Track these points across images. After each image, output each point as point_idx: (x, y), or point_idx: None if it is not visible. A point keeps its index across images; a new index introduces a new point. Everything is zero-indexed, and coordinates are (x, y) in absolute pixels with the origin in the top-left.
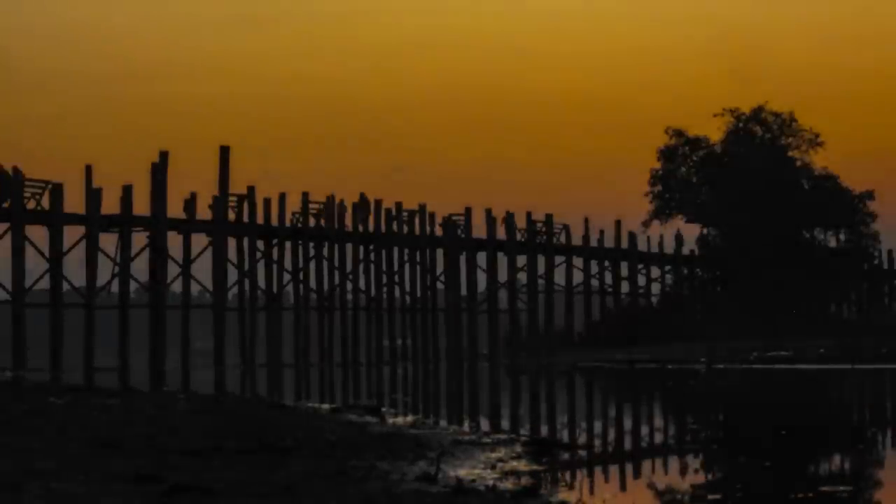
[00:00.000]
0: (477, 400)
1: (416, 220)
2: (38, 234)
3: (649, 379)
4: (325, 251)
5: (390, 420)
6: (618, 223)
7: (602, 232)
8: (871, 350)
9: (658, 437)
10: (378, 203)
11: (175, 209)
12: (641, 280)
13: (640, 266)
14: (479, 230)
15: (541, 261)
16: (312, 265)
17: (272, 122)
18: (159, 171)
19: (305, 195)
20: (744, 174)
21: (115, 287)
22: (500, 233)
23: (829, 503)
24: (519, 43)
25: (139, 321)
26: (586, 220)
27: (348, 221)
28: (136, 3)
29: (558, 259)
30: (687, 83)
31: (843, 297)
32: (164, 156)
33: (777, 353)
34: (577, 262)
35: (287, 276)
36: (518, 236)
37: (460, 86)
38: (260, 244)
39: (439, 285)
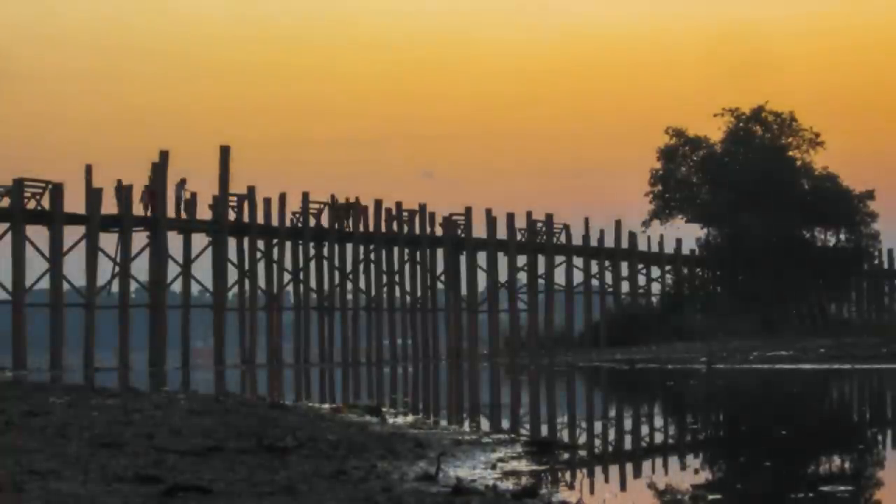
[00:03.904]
0: (477, 400)
1: (416, 220)
2: (38, 234)
3: (649, 379)
4: (325, 251)
5: (390, 420)
6: (618, 223)
7: (602, 232)
8: (871, 350)
9: (658, 437)
10: (378, 203)
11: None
12: (641, 280)
13: (640, 266)
14: (479, 230)
15: (541, 261)
16: (312, 265)
17: (272, 122)
18: (159, 171)
19: (305, 195)
20: (744, 174)
21: (115, 287)
22: (501, 232)
23: (829, 503)
24: (519, 44)
25: (139, 321)
26: (586, 220)
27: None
28: (136, 3)
29: (558, 259)
30: (687, 83)
31: (843, 297)
32: (164, 156)
33: (777, 352)
34: (577, 262)
35: (287, 276)
36: (518, 236)
37: (460, 86)
38: (260, 244)
39: (439, 285)
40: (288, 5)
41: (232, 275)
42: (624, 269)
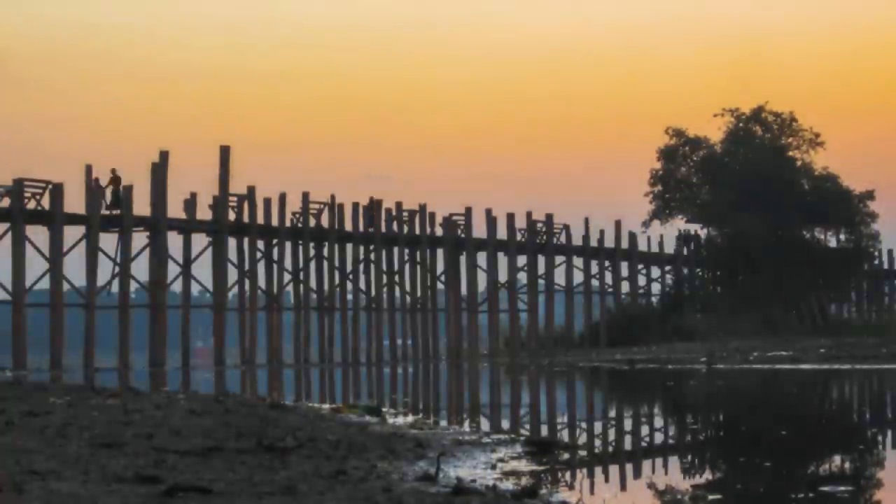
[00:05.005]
0: (477, 400)
1: (416, 220)
2: (38, 234)
3: (649, 379)
4: (325, 251)
5: (390, 420)
6: (618, 223)
7: (602, 232)
8: (871, 350)
9: (658, 437)
10: (378, 203)
11: (175, 209)
12: (641, 280)
13: (640, 266)
14: (480, 230)
15: (541, 261)
16: (312, 265)
17: (272, 122)
18: (159, 171)
19: (306, 195)
20: (744, 174)
21: (115, 287)
22: (501, 232)
23: (829, 503)
24: (519, 44)
25: (139, 321)
26: (586, 220)
27: (348, 222)
28: (136, 3)
29: (558, 259)
30: (687, 83)
31: (843, 297)
32: (164, 156)
33: (777, 353)
34: (577, 262)
35: (287, 276)
36: (518, 236)
37: (460, 86)
38: (260, 244)
39: (439, 285)
40: (289, 6)
41: (232, 275)
42: (624, 269)
